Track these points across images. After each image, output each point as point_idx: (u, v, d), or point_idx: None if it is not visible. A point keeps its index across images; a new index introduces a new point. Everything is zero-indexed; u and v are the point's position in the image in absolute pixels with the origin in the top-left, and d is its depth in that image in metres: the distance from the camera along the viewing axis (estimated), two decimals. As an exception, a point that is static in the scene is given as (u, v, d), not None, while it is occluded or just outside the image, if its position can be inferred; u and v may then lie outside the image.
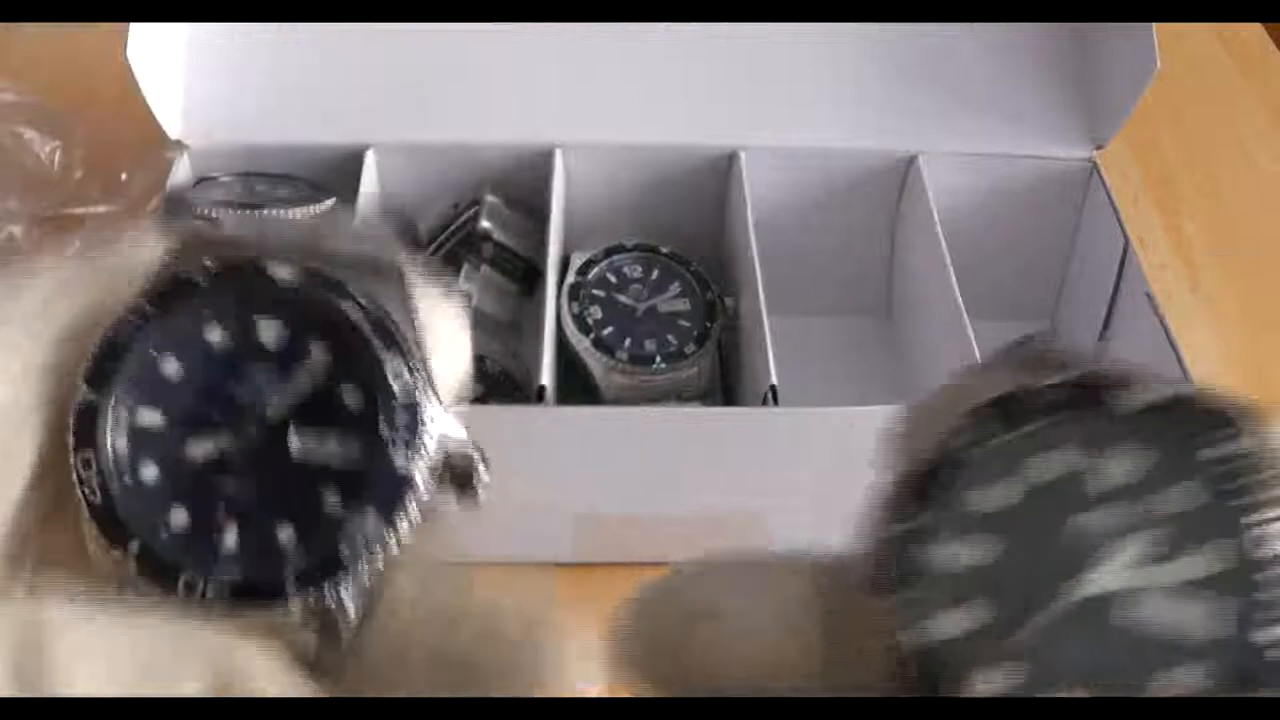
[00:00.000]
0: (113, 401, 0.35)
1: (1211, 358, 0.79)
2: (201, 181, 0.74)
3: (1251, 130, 0.97)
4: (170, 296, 0.36)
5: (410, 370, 0.36)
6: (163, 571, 0.34)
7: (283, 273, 0.36)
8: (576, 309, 0.73)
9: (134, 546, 0.34)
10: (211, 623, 0.33)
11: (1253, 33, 1.04)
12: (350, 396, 0.35)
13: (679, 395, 0.72)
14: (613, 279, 0.75)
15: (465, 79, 0.77)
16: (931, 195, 0.75)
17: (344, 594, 0.34)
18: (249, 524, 0.34)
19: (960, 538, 0.31)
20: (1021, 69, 0.79)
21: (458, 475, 0.36)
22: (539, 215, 0.75)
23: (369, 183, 0.74)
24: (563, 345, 0.71)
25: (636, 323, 0.74)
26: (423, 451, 0.35)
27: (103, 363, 0.35)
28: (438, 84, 0.77)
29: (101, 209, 0.78)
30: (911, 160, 0.77)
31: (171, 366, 0.35)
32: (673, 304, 0.75)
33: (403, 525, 0.34)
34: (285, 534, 0.34)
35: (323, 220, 0.73)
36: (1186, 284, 0.85)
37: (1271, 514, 0.30)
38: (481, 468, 0.35)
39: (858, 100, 0.78)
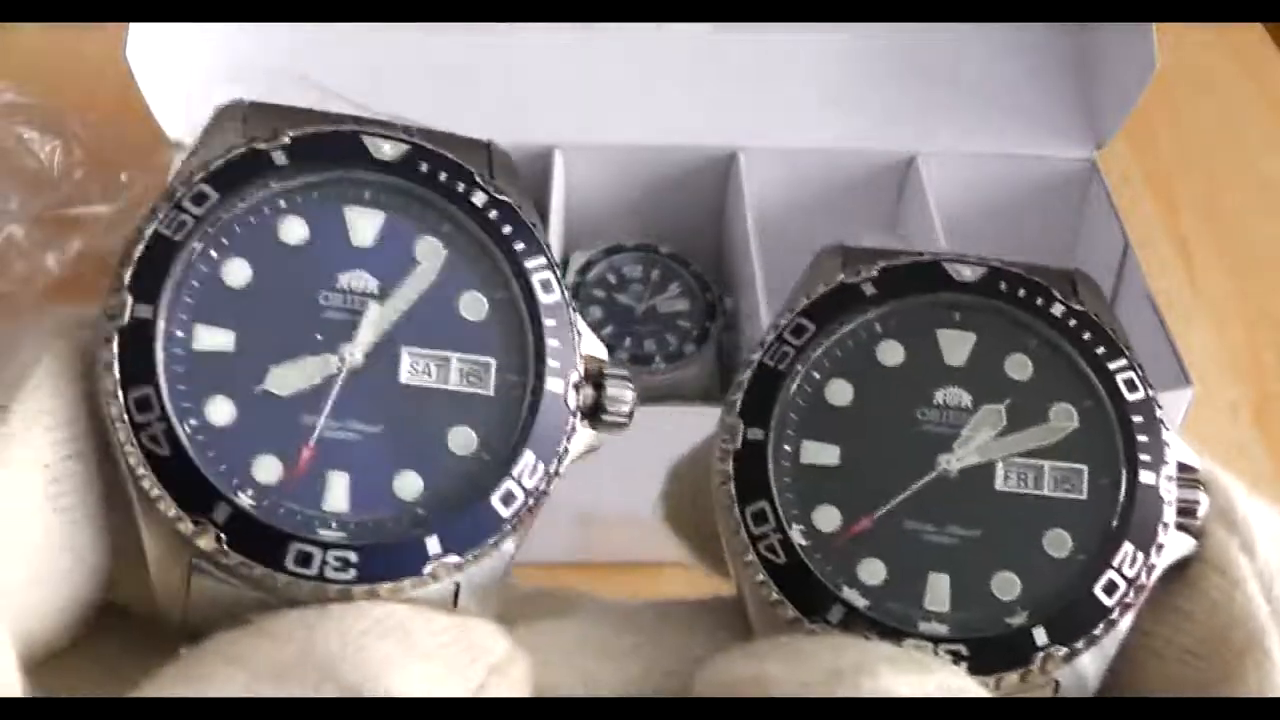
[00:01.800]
0: (166, 318, 0.27)
1: (1211, 358, 0.79)
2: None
3: (1251, 130, 0.97)
4: (236, 176, 0.28)
5: (553, 271, 0.30)
6: (263, 541, 0.26)
7: (385, 148, 0.29)
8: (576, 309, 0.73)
9: (220, 512, 0.26)
10: None
11: (1253, 33, 1.04)
12: (470, 307, 0.29)
13: (679, 395, 0.72)
14: (613, 279, 0.75)
15: (465, 79, 0.77)
16: (931, 195, 0.75)
17: (490, 558, 0.27)
18: (359, 470, 0.27)
19: (803, 440, 0.31)
20: (1021, 69, 0.79)
21: (601, 402, 0.29)
22: (539, 215, 0.75)
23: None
24: (563, 345, 0.70)
25: (636, 323, 0.74)
26: (576, 373, 0.29)
27: (148, 268, 0.27)
28: (438, 84, 0.77)
29: (101, 209, 0.78)
30: (911, 160, 0.77)
31: (240, 272, 0.28)
32: (673, 304, 0.75)
33: (562, 466, 0.28)
34: (405, 482, 0.28)
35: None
36: (1186, 284, 0.85)
37: (1128, 364, 0.31)
38: (629, 390, 0.30)
39: (858, 100, 0.78)
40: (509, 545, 0.28)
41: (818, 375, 0.30)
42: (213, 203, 0.28)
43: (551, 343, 0.29)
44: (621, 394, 0.30)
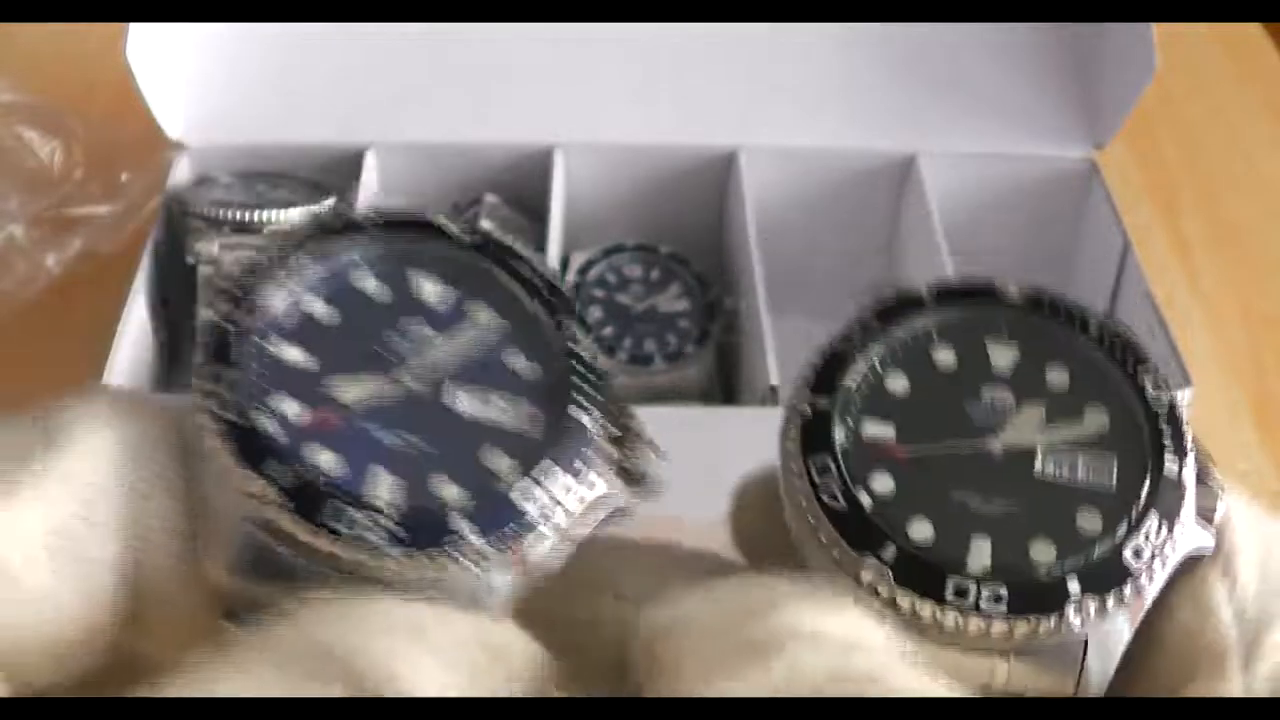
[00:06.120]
0: (246, 325, 0.32)
1: (1211, 358, 0.79)
2: (201, 182, 0.74)
3: (1251, 130, 0.97)
4: (320, 235, 0.34)
5: (589, 339, 0.34)
6: (303, 496, 0.29)
7: (453, 228, 0.34)
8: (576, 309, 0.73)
9: (271, 467, 0.29)
10: None
11: (1253, 33, 1.04)
12: (515, 361, 0.33)
13: (679, 395, 0.72)
14: (612, 279, 0.75)
15: (465, 79, 0.77)
16: (931, 195, 0.75)
17: (530, 548, 0.30)
18: (398, 467, 0.31)
19: (864, 417, 0.34)
20: (1021, 69, 0.79)
21: (628, 461, 0.33)
22: (539, 215, 0.75)
23: (369, 183, 0.74)
24: (563, 345, 0.70)
25: (636, 323, 0.74)
26: (608, 417, 0.33)
27: (244, 285, 0.32)
28: (438, 84, 0.77)
29: (102, 209, 0.78)
30: (911, 160, 0.77)
31: (319, 307, 0.33)
32: (673, 304, 0.75)
33: (584, 488, 0.32)
34: (441, 484, 0.31)
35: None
36: (1186, 284, 0.85)
37: (1154, 373, 0.35)
38: (653, 453, 0.34)
39: (858, 100, 0.78)
40: (538, 550, 0.30)
41: (879, 367, 0.35)
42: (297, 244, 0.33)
43: (588, 389, 0.33)
44: (645, 456, 0.34)
